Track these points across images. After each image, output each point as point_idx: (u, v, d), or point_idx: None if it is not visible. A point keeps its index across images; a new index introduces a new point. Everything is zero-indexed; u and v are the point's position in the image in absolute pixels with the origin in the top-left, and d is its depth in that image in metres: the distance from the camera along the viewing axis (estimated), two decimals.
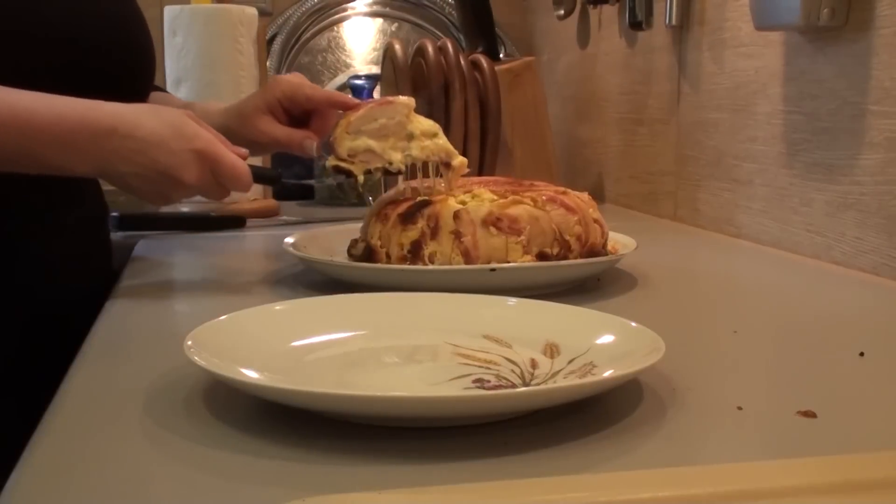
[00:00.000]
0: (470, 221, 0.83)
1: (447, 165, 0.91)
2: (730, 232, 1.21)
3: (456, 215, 0.84)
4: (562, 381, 0.57)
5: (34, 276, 0.90)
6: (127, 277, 0.97)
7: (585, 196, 0.92)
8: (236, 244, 1.24)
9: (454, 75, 1.31)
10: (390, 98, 0.91)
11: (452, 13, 1.90)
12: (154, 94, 1.11)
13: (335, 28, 1.94)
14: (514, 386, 0.58)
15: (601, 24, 1.61)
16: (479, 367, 0.61)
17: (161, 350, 0.68)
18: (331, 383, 0.58)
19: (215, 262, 1.12)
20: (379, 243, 0.87)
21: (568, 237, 0.86)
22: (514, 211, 0.85)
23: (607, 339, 0.62)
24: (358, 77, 1.77)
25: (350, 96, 0.98)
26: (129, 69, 0.95)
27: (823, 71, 1.01)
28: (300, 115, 0.97)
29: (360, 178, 0.88)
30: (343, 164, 0.88)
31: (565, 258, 0.85)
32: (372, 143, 0.88)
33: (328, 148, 0.91)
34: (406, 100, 0.91)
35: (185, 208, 1.36)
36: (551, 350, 0.63)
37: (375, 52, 1.93)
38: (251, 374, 0.56)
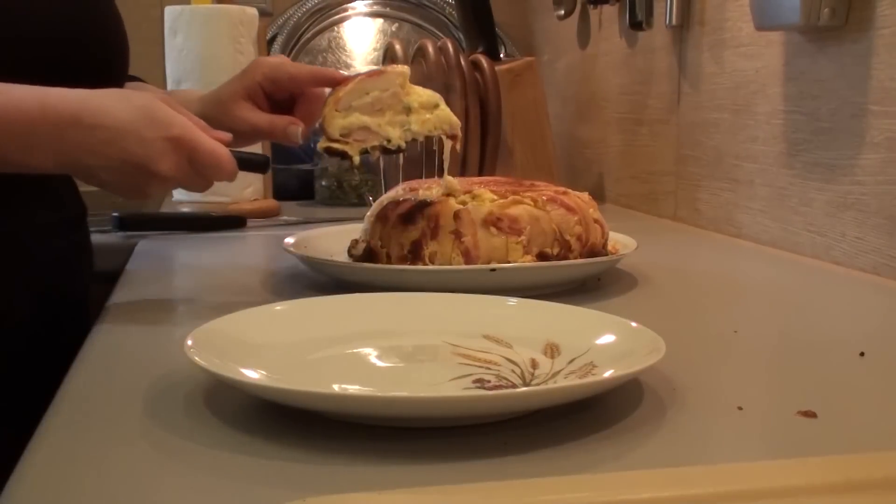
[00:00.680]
0: (470, 221, 0.83)
1: (454, 137, 0.84)
2: (730, 232, 1.21)
3: (456, 215, 0.84)
4: (562, 381, 0.57)
5: (8, 280, 0.84)
6: (127, 278, 0.97)
7: (586, 196, 0.92)
8: (236, 244, 1.24)
9: (454, 75, 1.31)
10: (381, 67, 0.85)
11: (453, 13, 1.90)
12: (130, 85, 1.04)
13: (335, 28, 1.94)
14: (514, 386, 0.57)
15: (601, 24, 1.61)
16: (480, 367, 0.61)
17: (161, 350, 0.68)
18: (331, 383, 0.58)
19: (215, 262, 1.12)
20: (379, 243, 0.87)
21: (568, 237, 0.86)
22: (515, 211, 0.85)
23: (608, 339, 0.62)
24: None
25: (337, 70, 0.89)
26: (99, 58, 0.88)
27: (824, 71, 1.01)
28: (285, 99, 0.88)
29: (356, 159, 0.81)
30: (336, 146, 0.81)
31: (566, 258, 0.85)
32: (366, 120, 0.82)
33: (320, 130, 0.84)
34: (400, 68, 0.84)
35: (185, 208, 1.36)
36: (552, 350, 0.63)
37: (376, 53, 1.93)
38: (251, 375, 0.56)
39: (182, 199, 1.39)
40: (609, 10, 1.56)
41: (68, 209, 0.96)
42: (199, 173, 0.74)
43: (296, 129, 0.85)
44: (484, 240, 0.83)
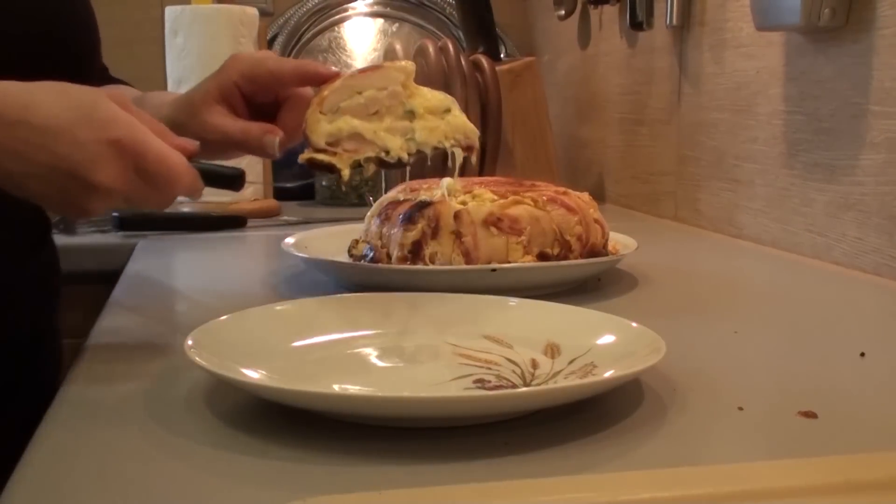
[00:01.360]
0: (470, 222, 0.83)
1: (469, 149, 0.69)
2: (730, 232, 1.21)
3: (456, 215, 0.84)
4: (562, 381, 0.57)
5: None
6: (127, 278, 0.97)
7: (586, 196, 0.92)
8: (236, 244, 1.24)
9: (455, 76, 1.31)
10: (379, 63, 0.70)
11: (453, 13, 1.90)
12: (112, 87, 0.92)
13: (336, 28, 1.94)
14: (514, 386, 0.57)
15: (602, 25, 1.61)
16: (480, 367, 0.61)
17: (161, 350, 0.68)
18: (331, 384, 0.58)
19: (215, 262, 1.12)
20: (380, 243, 0.87)
21: (568, 237, 0.86)
22: (515, 211, 0.85)
23: (608, 339, 0.62)
24: None
25: (326, 65, 0.71)
26: (71, 52, 0.79)
27: (824, 71, 1.01)
28: (268, 102, 0.74)
29: (346, 174, 0.66)
30: (321, 157, 0.66)
31: (566, 258, 0.85)
32: (358, 125, 0.66)
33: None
34: (401, 64, 0.69)
35: (185, 208, 1.36)
36: (552, 350, 0.63)
37: (376, 53, 1.93)
38: (252, 374, 0.56)
39: (182, 199, 1.39)
40: (609, 11, 1.56)
41: (25, 228, 0.85)
42: (150, 185, 0.61)
43: (272, 139, 0.70)
44: (484, 240, 0.83)
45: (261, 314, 0.67)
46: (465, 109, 1.31)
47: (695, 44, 1.29)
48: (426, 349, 0.65)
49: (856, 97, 0.95)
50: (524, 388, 0.57)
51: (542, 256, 0.84)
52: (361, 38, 1.95)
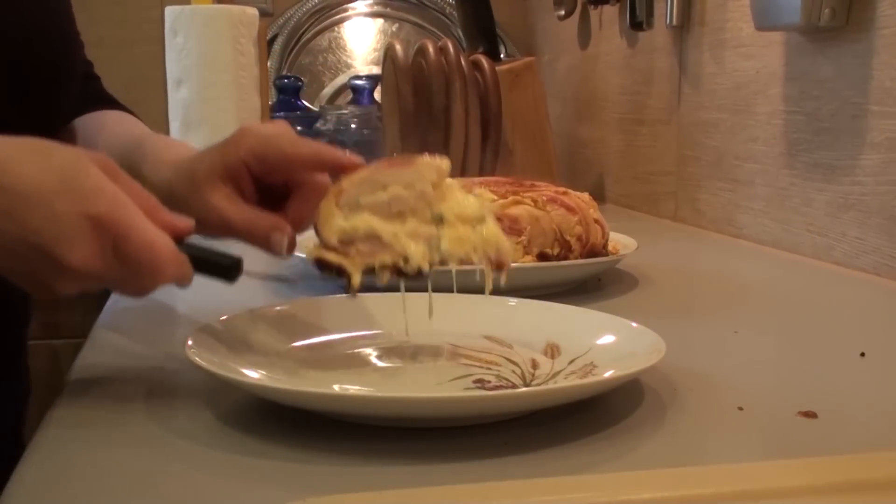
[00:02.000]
0: None
1: (499, 266, 0.59)
2: (730, 232, 1.21)
3: None
4: (562, 381, 0.57)
5: None
6: None
7: (586, 196, 0.92)
8: (236, 244, 1.24)
9: (455, 76, 1.31)
10: (408, 156, 0.60)
11: (453, 13, 1.90)
12: (113, 115, 0.86)
13: (336, 28, 1.94)
14: (514, 386, 0.57)
15: (602, 25, 1.61)
16: (480, 367, 0.61)
17: (161, 351, 0.68)
18: (331, 383, 0.58)
19: None
20: None
21: (569, 237, 0.86)
22: (515, 211, 0.85)
23: (608, 339, 0.62)
24: (358, 77, 1.77)
25: (347, 152, 0.61)
26: (45, 59, 0.74)
27: (824, 71, 1.01)
28: (279, 184, 0.64)
29: (356, 280, 0.57)
30: (330, 257, 0.58)
31: (566, 258, 0.85)
32: (377, 225, 0.58)
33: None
34: (435, 162, 0.60)
35: None
36: (552, 350, 0.63)
37: (376, 53, 1.93)
38: (251, 374, 0.56)
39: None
40: (609, 11, 1.56)
41: None
42: (130, 270, 0.54)
43: (281, 238, 0.61)
44: None
45: (260, 314, 0.67)
46: (466, 109, 1.32)
47: (695, 44, 1.29)
48: (426, 349, 0.65)
49: (856, 97, 0.95)
50: (524, 389, 0.57)
51: (542, 256, 0.84)
52: (361, 38, 1.95)
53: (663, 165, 1.40)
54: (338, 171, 0.61)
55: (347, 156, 0.61)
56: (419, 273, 0.57)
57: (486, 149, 1.35)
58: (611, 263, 0.91)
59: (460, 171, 1.30)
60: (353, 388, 0.58)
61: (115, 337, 0.74)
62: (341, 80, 1.91)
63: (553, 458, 0.48)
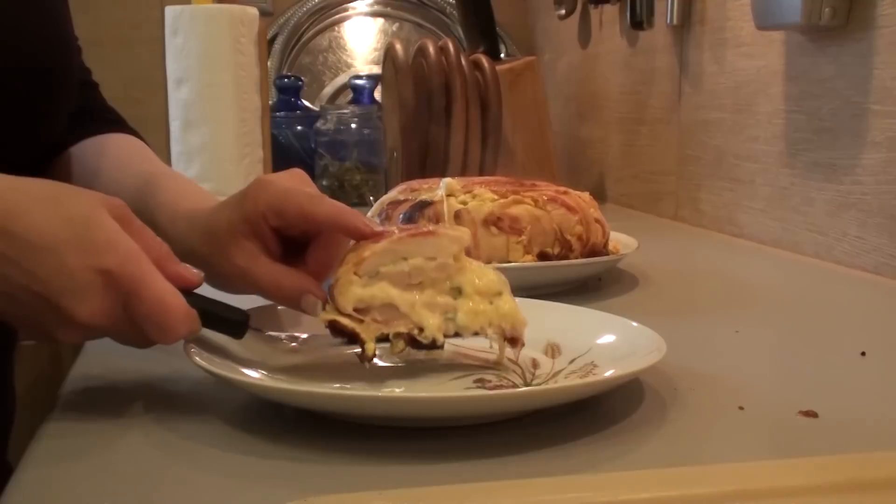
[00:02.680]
0: (471, 221, 0.83)
1: (513, 341, 0.59)
2: (731, 231, 1.21)
3: (457, 215, 0.84)
4: (563, 380, 0.57)
5: None
6: None
7: (586, 196, 0.92)
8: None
9: (455, 75, 1.31)
10: (432, 228, 0.60)
11: (453, 13, 1.90)
12: (117, 139, 0.82)
13: (336, 28, 1.94)
14: (515, 386, 0.57)
15: (602, 24, 1.60)
16: (480, 366, 0.61)
17: (161, 350, 0.68)
18: (331, 383, 0.58)
19: None
20: None
21: (569, 237, 0.86)
22: (515, 211, 0.85)
23: (608, 338, 0.62)
24: (359, 77, 1.77)
25: (368, 223, 0.59)
26: (41, 67, 0.72)
27: (825, 70, 1.01)
28: (297, 233, 0.61)
29: (370, 348, 0.57)
30: (345, 321, 0.57)
31: (566, 258, 0.85)
32: (395, 295, 0.57)
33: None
34: (458, 233, 0.60)
35: None
36: (552, 350, 0.63)
37: (376, 52, 1.93)
38: (251, 374, 0.56)
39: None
40: (610, 10, 1.56)
41: None
42: (138, 326, 0.53)
43: (313, 302, 0.59)
44: (484, 239, 0.83)
45: (261, 314, 0.67)
46: (466, 109, 1.32)
47: (695, 43, 1.29)
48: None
49: (856, 96, 0.95)
50: (524, 388, 0.57)
51: (543, 256, 0.84)
52: (361, 37, 1.95)
53: (664, 165, 1.40)
54: (356, 238, 0.59)
55: (367, 225, 0.59)
56: (433, 343, 0.58)
57: (486, 148, 1.35)
58: (611, 263, 0.91)
59: (460, 170, 1.30)
60: (353, 388, 0.58)
61: None
62: (341, 79, 1.91)
63: (553, 458, 0.48)
